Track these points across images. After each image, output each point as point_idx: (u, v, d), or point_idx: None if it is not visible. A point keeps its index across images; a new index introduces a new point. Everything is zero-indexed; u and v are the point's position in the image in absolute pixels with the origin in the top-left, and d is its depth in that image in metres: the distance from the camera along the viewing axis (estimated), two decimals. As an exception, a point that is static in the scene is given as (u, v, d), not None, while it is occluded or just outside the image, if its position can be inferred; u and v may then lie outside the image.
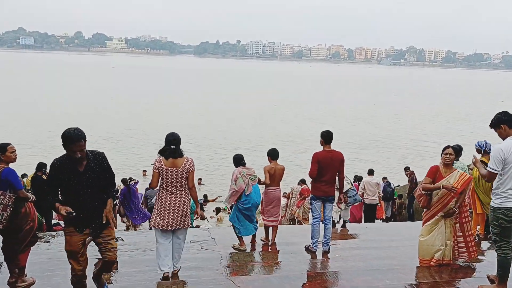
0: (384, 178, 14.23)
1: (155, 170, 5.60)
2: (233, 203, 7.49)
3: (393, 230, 9.86)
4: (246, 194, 7.21)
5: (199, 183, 19.52)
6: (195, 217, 7.11)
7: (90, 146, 4.54)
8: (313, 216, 7.18)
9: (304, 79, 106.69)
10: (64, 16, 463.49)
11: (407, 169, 13.74)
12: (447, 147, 6.12)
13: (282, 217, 10.66)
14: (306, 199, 12.08)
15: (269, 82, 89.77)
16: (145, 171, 20.35)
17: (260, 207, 7.80)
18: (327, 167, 6.83)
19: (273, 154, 7.62)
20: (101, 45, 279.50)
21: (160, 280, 5.60)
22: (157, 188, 5.69)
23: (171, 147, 5.54)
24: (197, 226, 12.25)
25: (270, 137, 31.45)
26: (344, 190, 8.27)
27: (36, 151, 24.17)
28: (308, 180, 8.60)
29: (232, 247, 7.35)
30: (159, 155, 5.61)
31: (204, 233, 8.39)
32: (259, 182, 7.53)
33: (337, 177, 7.07)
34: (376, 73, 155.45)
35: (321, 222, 7.13)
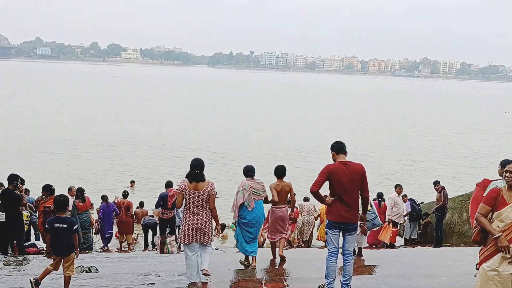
0: (405, 196, 12.82)
1: (180, 191, 6.09)
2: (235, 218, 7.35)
3: (425, 259, 8.18)
4: (248, 209, 6.99)
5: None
6: (215, 234, 6.96)
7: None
8: (328, 249, 5.69)
9: (335, 91, 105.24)
10: (81, 27, 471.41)
11: (437, 183, 12.10)
12: (507, 162, 4.80)
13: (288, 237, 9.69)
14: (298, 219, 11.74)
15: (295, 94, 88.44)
16: (133, 182, 20.40)
17: (263, 226, 7.57)
18: (343, 183, 5.42)
19: (279, 171, 7.35)
20: (116, 55, 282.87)
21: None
22: (181, 208, 6.21)
23: (195, 171, 6.00)
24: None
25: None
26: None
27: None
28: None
29: (239, 261, 7.35)
30: (185, 179, 6.07)
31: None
32: (266, 200, 7.27)
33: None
34: (396, 86, 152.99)
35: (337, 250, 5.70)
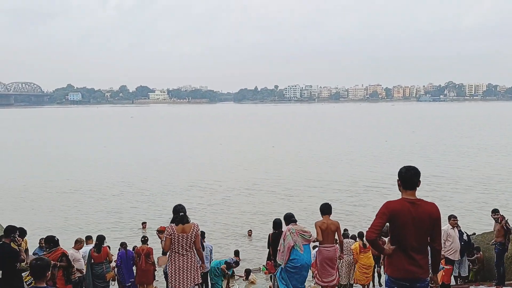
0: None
1: (168, 236, 6.28)
2: (281, 262, 7.16)
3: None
4: (300, 251, 6.94)
5: (249, 235, 18.20)
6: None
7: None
8: None
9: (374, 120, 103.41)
10: (110, 71, 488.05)
11: (495, 211, 10.47)
12: None
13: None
14: None
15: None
16: (145, 223, 19.14)
17: (311, 269, 7.53)
18: (409, 228, 4.18)
19: (324, 209, 7.25)
20: (144, 97, 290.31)
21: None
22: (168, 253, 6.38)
23: (180, 214, 6.30)
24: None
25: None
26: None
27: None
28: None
29: None
30: (171, 223, 6.31)
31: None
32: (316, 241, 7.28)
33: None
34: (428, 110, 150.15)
35: None
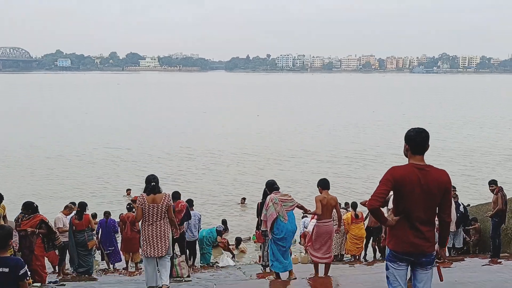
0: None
1: (139, 206, 6.45)
2: (266, 231, 7.14)
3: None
4: (284, 221, 6.89)
5: (242, 203, 17.89)
6: (175, 235, 7.45)
7: None
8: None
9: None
10: (99, 38, 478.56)
11: (493, 183, 10.06)
12: None
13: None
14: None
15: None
16: (129, 190, 18.35)
17: (306, 243, 7.56)
18: (416, 197, 3.74)
19: (323, 184, 7.19)
20: (135, 64, 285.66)
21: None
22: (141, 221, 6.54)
23: (152, 184, 6.42)
24: (214, 264, 10.62)
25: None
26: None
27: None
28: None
29: (267, 279, 7.17)
30: (143, 193, 6.46)
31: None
32: (301, 207, 7.32)
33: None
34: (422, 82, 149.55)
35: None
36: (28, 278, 4.21)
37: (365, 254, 11.51)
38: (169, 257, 6.74)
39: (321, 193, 7.13)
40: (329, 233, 7.13)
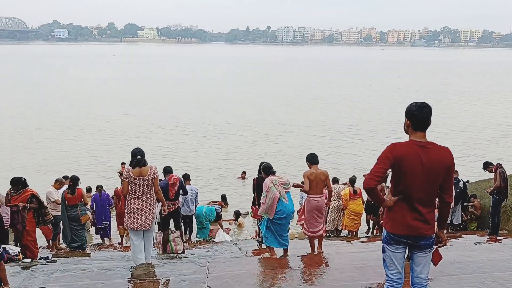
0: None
1: (125, 179, 6.42)
2: (265, 215, 6.97)
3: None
4: (286, 202, 6.87)
5: (243, 177, 17.66)
6: (164, 213, 7.07)
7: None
8: (387, 276, 3.74)
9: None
10: (97, 8, 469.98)
11: (488, 165, 9.86)
12: None
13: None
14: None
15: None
16: (124, 163, 17.74)
17: (299, 218, 7.46)
18: (417, 175, 3.49)
19: (311, 159, 7.04)
20: (133, 35, 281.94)
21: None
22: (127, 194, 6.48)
23: (137, 157, 6.37)
24: (211, 239, 10.59)
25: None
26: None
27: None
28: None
29: (262, 256, 7.07)
30: (129, 167, 6.41)
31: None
32: (296, 186, 7.26)
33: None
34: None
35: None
36: (5, 257, 4.04)
37: (368, 229, 11.44)
38: (153, 233, 6.75)
39: (310, 168, 7.00)
40: (320, 208, 7.05)
